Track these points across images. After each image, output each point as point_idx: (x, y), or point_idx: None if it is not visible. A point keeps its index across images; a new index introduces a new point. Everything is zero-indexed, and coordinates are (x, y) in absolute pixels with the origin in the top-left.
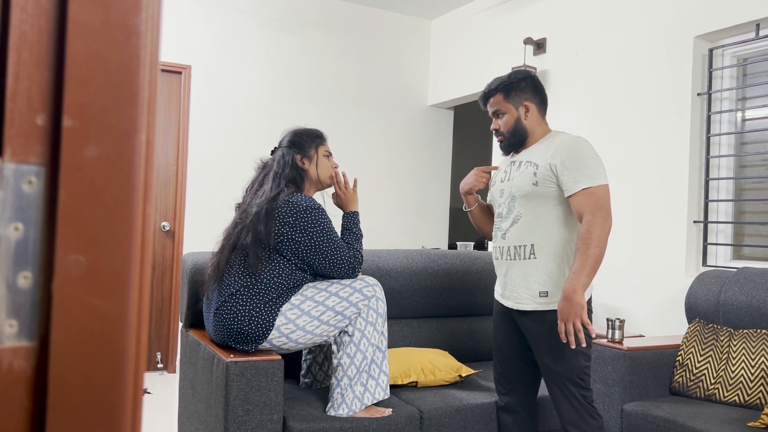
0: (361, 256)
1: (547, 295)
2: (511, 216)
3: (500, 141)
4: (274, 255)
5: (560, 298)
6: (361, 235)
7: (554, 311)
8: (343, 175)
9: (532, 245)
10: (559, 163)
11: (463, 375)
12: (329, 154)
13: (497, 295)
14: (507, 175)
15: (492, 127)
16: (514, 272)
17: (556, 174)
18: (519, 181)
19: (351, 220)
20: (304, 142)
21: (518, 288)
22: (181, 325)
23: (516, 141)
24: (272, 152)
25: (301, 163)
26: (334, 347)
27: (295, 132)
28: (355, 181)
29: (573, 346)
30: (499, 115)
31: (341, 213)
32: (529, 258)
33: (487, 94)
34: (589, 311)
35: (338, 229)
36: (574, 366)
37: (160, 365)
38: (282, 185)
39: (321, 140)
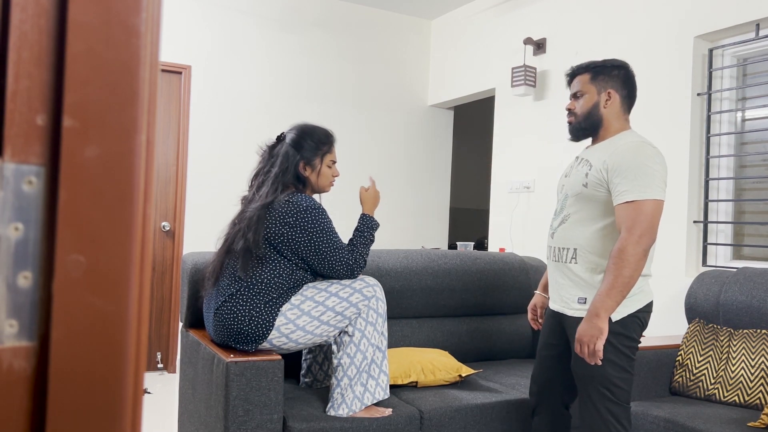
0: (364, 260)
1: (585, 302)
2: (561, 215)
3: (570, 122)
4: (273, 255)
5: (584, 318)
6: (371, 240)
7: None
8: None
9: (575, 249)
10: (612, 168)
11: (463, 375)
12: (333, 163)
13: (549, 298)
14: (570, 170)
15: (566, 106)
16: (557, 274)
17: (607, 178)
18: (573, 179)
19: (367, 223)
20: (310, 147)
21: (561, 291)
22: (181, 325)
23: (587, 127)
24: (278, 138)
25: (303, 170)
26: (334, 347)
27: (303, 132)
28: (372, 181)
29: (591, 363)
30: (578, 96)
31: (342, 213)
32: (570, 262)
33: (575, 72)
34: (642, 324)
35: (340, 229)
36: (597, 374)
37: (160, 365)
38: (279, 190)
39: (328, 148)
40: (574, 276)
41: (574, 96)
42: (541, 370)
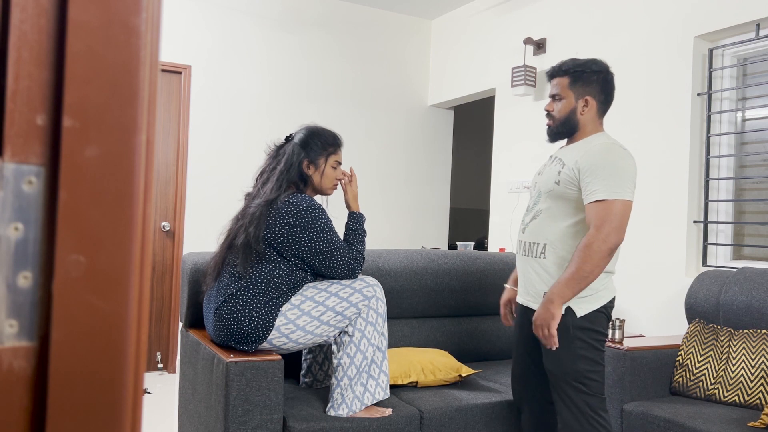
0: (363, 258)
1: None
2: (533, 211)
3: (548, 125)
4: (273, 255)
5: (541, 303)
6: (365, 235)
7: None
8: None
9: (545, 245)
10: (584, 167)
11: (463, 375)
12: (338, 165)
13: (518, 293)
14: (543, 168)
15: (545, 107)
16: (527, 269)
17: (579, 178)
18: (546, 177)
19: (356, 220)
20: (315, 147)
21: (528, 285)
22: (181, 325)
23: (563, 131)
24: (286, 139)
25: (307, 168)
26: (334, 347)
27: (311, 132)
28: (353, 175)
29: (548, 346)
30: (556, 99)
31: (342, 213)
32: (540, 257)
33: (555, 72)
34: (608, 317)
35: (340, 229)
36: (570, 369)
37: (160, 365)
38: (283, 188)
39: (333, 149)
40: (543, 271)
41: (553, 97)
42: (519, 366)
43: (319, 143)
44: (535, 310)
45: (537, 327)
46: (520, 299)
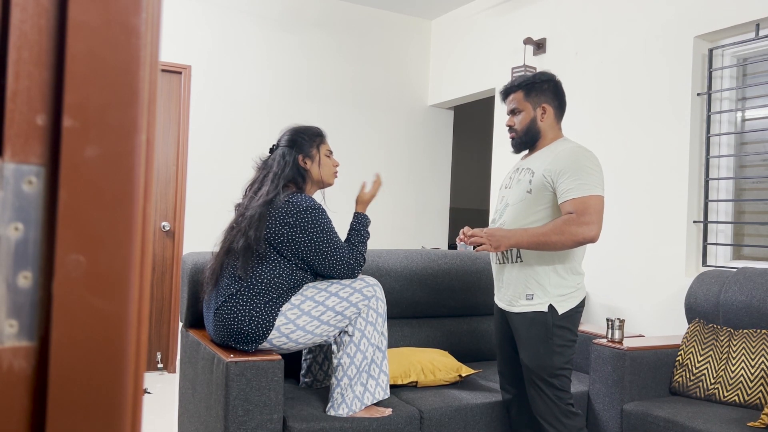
0: (364, 258)
1: (532, 298)
2: (500, 221)
3: (512, 138)
4: (273, 255)
5: (500, 233)
6: (367, 236)
7: (537, 312)
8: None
9: (519, 249)
10: (555, 171)
11: (463, 375)
12: (330, 153)
13: (495, 297)
14: (510, 182)
15: (506, 123)
16: (505, 275)
17: (552, 181)
18: (516, 189)
19: (361, 221)
20: (304, 141)
21: (508, 290)
22: (181, 325)
23: (528, 140)
24: (271, 150)
25: (303, 163)
26: (334, 347)
27: (295, 131)
28: (377, 182)
29: (469, 242)
30: (515, 113)
31: (341, 212)
32: (516, 261)
33: (508, 90)
34: (578, 314)
35: (339, 225)
36: (546, 364)
37: (160, 365)
38: (280, 187)
39: (322, 139)
40: (522, 274)
41: (512, 112)
42: (505, 366)
43: (306, 137)
44: (513, 313)
45: (488, 235)
46: (499, 303)
